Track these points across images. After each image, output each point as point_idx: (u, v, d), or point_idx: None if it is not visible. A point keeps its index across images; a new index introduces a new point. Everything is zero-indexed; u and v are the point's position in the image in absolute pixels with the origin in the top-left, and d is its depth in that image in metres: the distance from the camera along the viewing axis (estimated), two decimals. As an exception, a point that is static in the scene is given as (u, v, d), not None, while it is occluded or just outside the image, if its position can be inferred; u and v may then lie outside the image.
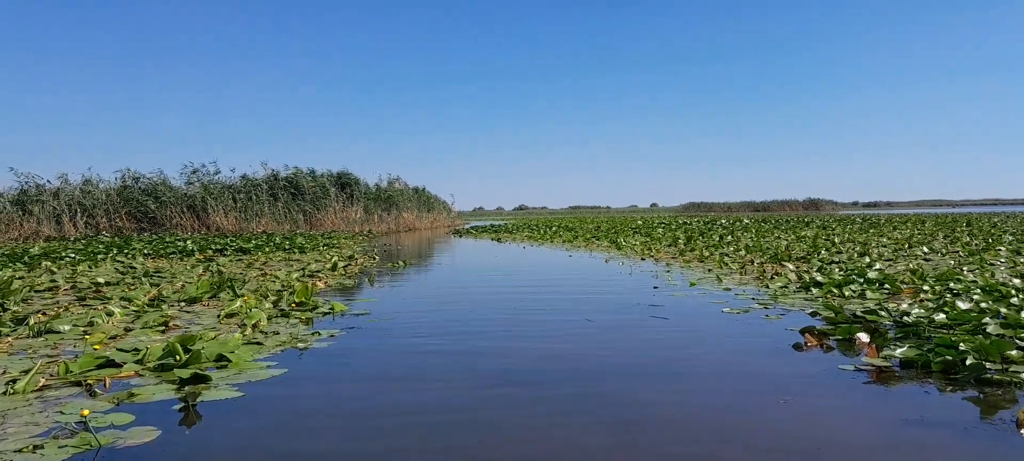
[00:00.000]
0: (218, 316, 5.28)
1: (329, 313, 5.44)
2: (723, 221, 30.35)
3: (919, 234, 16.75)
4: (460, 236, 23.78)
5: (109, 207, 24.16)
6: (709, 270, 8.61)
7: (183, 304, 6.11)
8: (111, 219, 24.10)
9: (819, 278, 6.71)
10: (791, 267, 8.37)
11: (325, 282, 7.58)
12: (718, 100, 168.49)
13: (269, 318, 5.12)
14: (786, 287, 6.65)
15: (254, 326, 4.57)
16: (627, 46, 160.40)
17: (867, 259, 9.39)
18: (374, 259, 12.07)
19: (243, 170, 27.72)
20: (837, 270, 7.87)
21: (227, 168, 35.28)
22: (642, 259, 10.87)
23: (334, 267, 9.22)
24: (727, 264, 9.17)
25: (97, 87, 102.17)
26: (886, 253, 10.69)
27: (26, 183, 24.26)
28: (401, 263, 10.40)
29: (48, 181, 24.73)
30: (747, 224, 26.78)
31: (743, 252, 11.41)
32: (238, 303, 5.45)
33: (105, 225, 23.93)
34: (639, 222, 32.79)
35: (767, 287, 6.71)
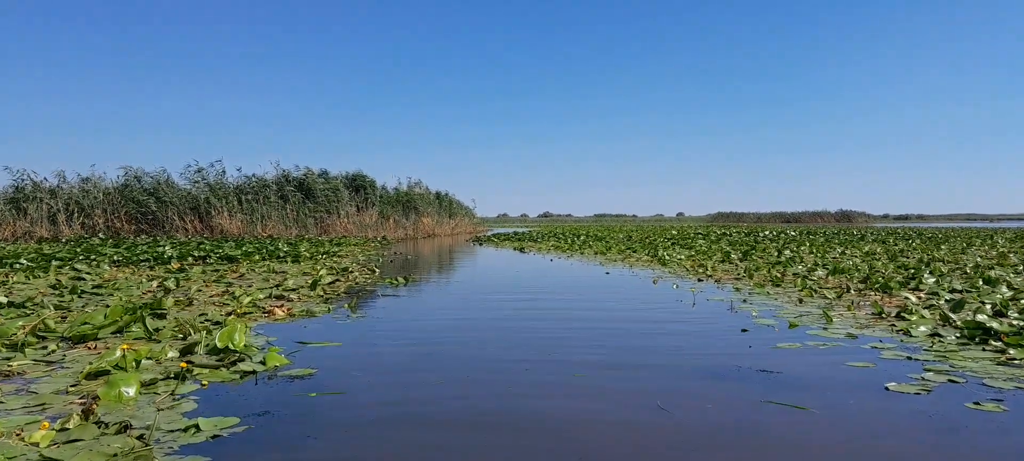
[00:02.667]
0: (80, 374, 3.37)
1: (255, 371, 3.50)
2: (767, 232, 28.02)
3: (1011, 252, 14.37)
4: (481, 244, 21.84)
5: (107, 207, 22.67)
6: (799, 301, 6.51)
7: (65, 344, 4.23)
8: (108, 219, 22.62)
9: (991, 323, 4.60)
10: (913, 299, 6.26)
11: (287, 310, 5.65)
12: (744, 112, 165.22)
13: (148, 383, 3.19)
14: (938, 336, 4.55)
15: (86, 414, 2.62)
16: (656, 58, 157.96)
17: (1006, 289, 7.20)
18: (373, 272, 10.15)
19: (254, 173, 26.08)
20: (985, 304, 5.74)
21: (233, 168, 33.51)
22: (698, 279, 8.78)
23: (314, 285, 7.31)
24: (820, 291, 7.06)
25: (107, 93, 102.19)
26: (1010, 278, 8.47)
27: (21, 181, 22.90)
28: (401, 279, 8.47)
29: (45, 178, 23.37)
30: (794, 236, 24.45)
31: (822, 273, 9.27)
32: (117, 354, 3.53)
33: (102, 226, 22.45)
34: (673, 232, 30.55)
35: (908, 333, 4.63)
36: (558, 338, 4.64)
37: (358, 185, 28.56)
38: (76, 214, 22.36)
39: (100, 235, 21.66)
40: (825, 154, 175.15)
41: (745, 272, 9.63)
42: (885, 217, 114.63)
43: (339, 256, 14.15)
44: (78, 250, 13.98)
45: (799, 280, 7.79)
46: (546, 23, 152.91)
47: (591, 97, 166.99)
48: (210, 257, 12.35)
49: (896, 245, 17.98)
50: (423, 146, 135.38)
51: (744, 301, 6.56)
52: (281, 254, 13.25)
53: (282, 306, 5.70)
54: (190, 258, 11.99)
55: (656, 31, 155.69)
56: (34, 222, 21.67)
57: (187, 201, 23.30)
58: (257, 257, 12.42)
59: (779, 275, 8.98)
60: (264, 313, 5.56)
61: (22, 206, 21.89)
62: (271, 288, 7.58)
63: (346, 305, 6.16)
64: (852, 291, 7.20)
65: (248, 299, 5.82)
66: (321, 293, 6.96)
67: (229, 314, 5.44)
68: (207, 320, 5.20)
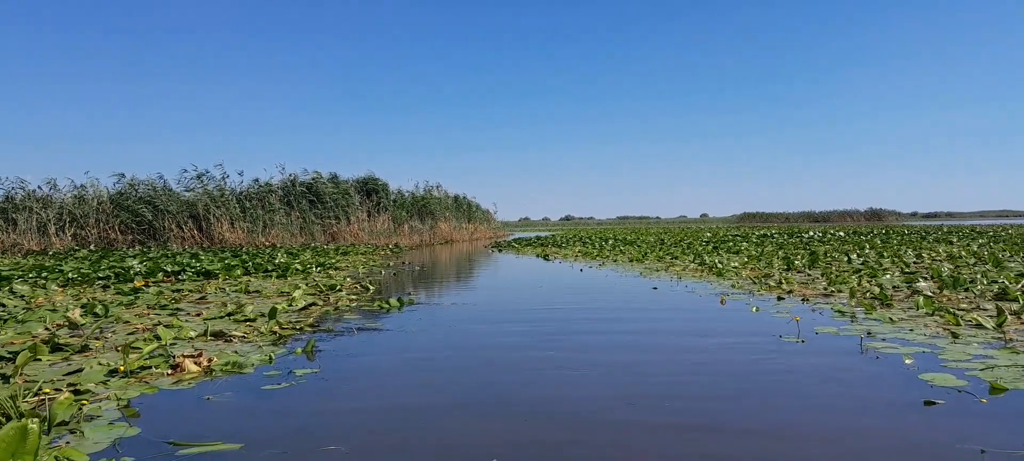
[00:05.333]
0: None
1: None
2: (810, 233, 25.81)
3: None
4: (500, 251, 19.98)
5: (100, 217, 21.20)
6: (953, 336, 4.53)
7: None
8: (102, 230, 21.15)
9: None
10: None
11: (206, 362, 3.81)
12: (766, 112, 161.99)
13: None
14: None
15: None
16: (677, 59, 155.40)
17: None
18: (366, 290, 8.34)
19: (257, 178, 24.46)
20: None
21: (236, 173, 31.66)
22: (779, 298, 6.81)
23: (273, 314, 5.47)
24: (963, 316, 5.07)
25: (113, 101, 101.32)
26: None
27: (12, 190, 21.56)
28: (396, 302, 6.62)
29: (38, 187, 22.02)
30: (845, 237, 22.23)
31: (929, 285, 7.26)
32: None
33: (95, 237, 20.99)
34: (708, 234, 28.42)
35: None
36: (625, 443, 2.73)
37: (370, 189, 26.89)
38: (68, 225, 20.96)
39: (92, 247, 20.21)
40: (849, 152, 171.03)
41: (830, 285, 7.63)
42: (913, 215, 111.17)
43: (337, 268, 12.38)
44: (39, 266, 12.38)
45: (921, 299, 5.78)
46: (566, 25, 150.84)
47: (613, 99, 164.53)
48: (185, 271, 10.64)
49: (969, 246, 15.76)
50: (442, 151, 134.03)
51: (868, 332, 4.61)
52: (269, 267, 11.50)
53: (200, 356, 3.87)
54: (161, 274, 10.27)
55: (677, 32, 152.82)
56: (23, 233, 20.29)
57: (186, 209, 21.77)
58: (239, 271, 10.69)
59: (877, 289, 6.98)
60: (171, 368, 3.73)
61: (11, 217, 20.54)
62: (221, 317, 5.80)
63: (301, 349, 4.32)
64: (1009, 315, 5.19)
65: (151, 346, 3.99)
66: (275, 329, 5.11)
67: (111, 373, 3.63)
68: (72, 385, 3.40)
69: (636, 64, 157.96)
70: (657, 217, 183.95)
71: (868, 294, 6.68)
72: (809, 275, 9.27)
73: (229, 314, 5.94)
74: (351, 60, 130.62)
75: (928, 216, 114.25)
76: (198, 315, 6.06)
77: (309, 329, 5.19)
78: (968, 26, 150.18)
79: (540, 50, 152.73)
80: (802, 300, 6.56)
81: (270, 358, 4.01)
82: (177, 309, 6.53)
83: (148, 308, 6.63)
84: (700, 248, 16.67)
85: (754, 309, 5.99)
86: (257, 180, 24.22)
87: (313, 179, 25.11)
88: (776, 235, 24.91)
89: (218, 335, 4.87)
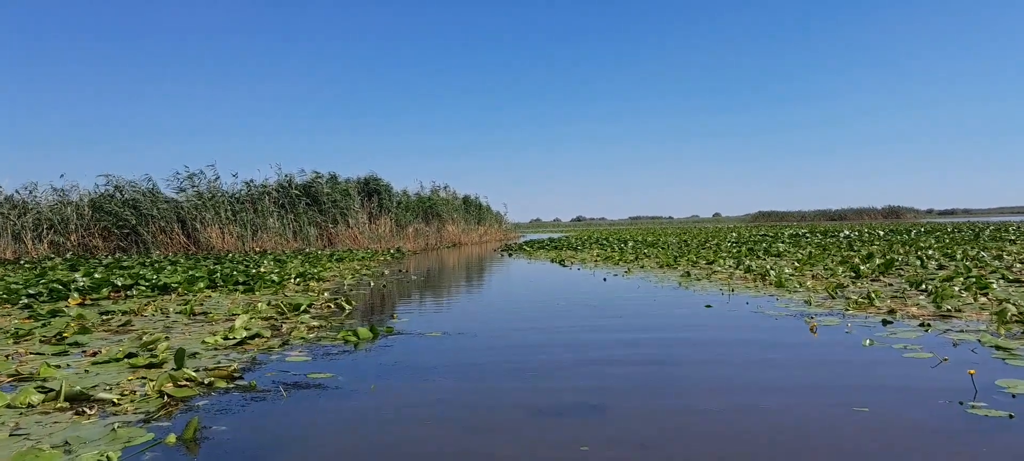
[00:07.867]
0: None
1: None
2: (845, 233, 23.91)
3: None
4: (511, 255, 18.29)
5: (79, 222, 19.68)
6: None
7: None
8: (81, 236, 19.62)
9: None
10: None
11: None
12: (779, 110, 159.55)
13: None
14: None
15: None
16: (688, 58, 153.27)
17: None
18: (343, 309, 6.67)
19: (251, 179, 22.84)
20: None
21: (228, 175, 29.93)
22: (884, 322, 5.04)
23: (181, 360, 3.78)
24: None
25: (112, 103, 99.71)
26: None
27: (-12, 195, 20.09)
28: (367, 333, 4.93)
29: (16, 192, 20.55)
30: (885, 236, 20.35)
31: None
32: None
33: (74, 243, 19.47)
34: (734, 235, 26.57)
35: None
36: None
37: (372, 190, 25.24)
38: (45, 231, 19.45)
39: (68, 254, 18.70)
40: (860, 151, 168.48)
41: (937, 300, 5.85)
42: (930, 212, 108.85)
43: (322, 278, 10.72)
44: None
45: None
46: (575, 25, 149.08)
47: (622, 99, 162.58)
48: (139, 284, 9.02)
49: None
50: (448, 153, 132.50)
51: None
52: (241, 279, 9.85)
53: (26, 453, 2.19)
54: (108, 289, 8.64)
55: (687, 31, 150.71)
56: (-4, 241, 18.81)
57: (172, 213, 20.20)
58: (202, 284, 9.05)
59: (1014, 308, 5.22)
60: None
61: (-16, 223, 19.07)
62: (118, 359, 4.14)
63: (178, 435, 2.62)
64: None
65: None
66: (165, 387, 3.41)
67: None
68: None
69: (646, 63, 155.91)
70: (669, 217, 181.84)
71: (1011, 316, 4.91)
72: (888, 284, 7.52)
73: (130, 355, 4.26)
74: (351, 60, 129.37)
75: (944, 213, 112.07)
76: (94, 355, 4.40)
77: (223, 385, 3.49)
78: (977, 23, 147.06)
79: (543, 50, 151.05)
80: (922, 326, 4.80)
81: (108, 460, 2.32)
82: (76, 343, 4.88)
83: (41, 342, 4.99)
84: (732, 250, 14.88)
85: (867, 342, 4.24)
86: (251, 181, 22.63)
87: (310, 180, 23.51)
88: (809, 235, 23.03)
89: (76, 399, 3.19)
